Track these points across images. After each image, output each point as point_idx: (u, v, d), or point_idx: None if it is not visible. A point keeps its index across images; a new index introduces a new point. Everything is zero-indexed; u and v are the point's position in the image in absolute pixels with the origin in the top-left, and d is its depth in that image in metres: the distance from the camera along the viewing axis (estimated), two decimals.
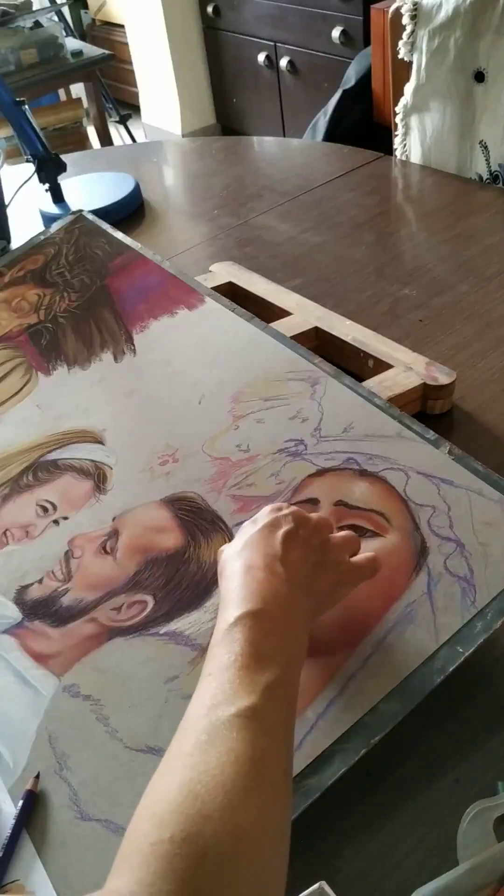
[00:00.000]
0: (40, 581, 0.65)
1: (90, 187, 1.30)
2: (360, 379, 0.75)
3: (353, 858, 0.47)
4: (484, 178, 1.26)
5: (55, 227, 1.07)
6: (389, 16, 1.28)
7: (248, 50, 2.88)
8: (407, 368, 0.77)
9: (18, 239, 1.11)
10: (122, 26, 3.39)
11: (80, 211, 1.08)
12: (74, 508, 0.70)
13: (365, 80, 1.60)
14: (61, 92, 2.85)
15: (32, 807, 0.50)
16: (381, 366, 0.79)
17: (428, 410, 0.77)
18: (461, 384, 0.79)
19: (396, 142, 1.36)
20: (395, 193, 1.28)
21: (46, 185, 1.21)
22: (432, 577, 0.56)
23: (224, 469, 0.68)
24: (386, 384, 0.75)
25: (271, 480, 0.66)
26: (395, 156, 1.37)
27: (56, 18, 2.58)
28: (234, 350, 0.80)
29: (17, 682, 0.58)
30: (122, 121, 2.89)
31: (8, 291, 0.99)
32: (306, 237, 1.14)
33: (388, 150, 1.38)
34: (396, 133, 1.35)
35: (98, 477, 0.72)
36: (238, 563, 0.49)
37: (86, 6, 3.71)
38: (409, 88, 1.28)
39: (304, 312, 0.88)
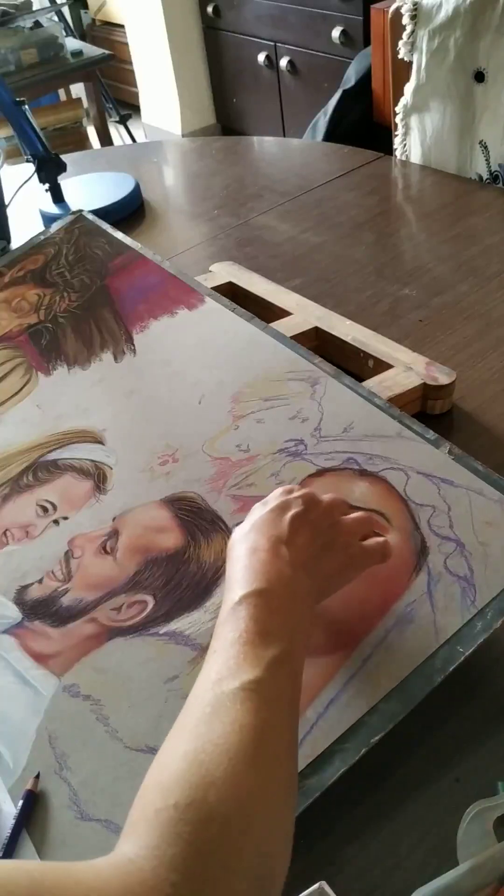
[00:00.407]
0: (40, 581, 0.65)
1: (90, 187, 1.30)
2: (360, 379, 0.75)
3: (353, 858, 0.47)
4: (484, 178, 1.26)
5: (55, 227, 1.07)
6: (389, 16, 1.28)
7: (248, 50, 2.88)
8: (407, 368, 0.77)
9: (18, 239, 1.11)
10: (122, 26, 3.39)
11: (80, 211, 1.08)
12: (74, 508, 0.70)
13: (365, 80, 1.60)
14: (61, 92, 2.85)
15: (32, 807, 0.50)
16: (381, 366, 0.79)
17: (428, 410, 0.77)
18: (461, 384, 0.79)
19: (396, 142, 1.36)
20: (395, 193, 1.28)
21: (46, 185, 1.21)
22: (432, 577, 0.56)
23: (224, 469, 0.68)
24: (386, 384, 0.75)
25: (271, 480, 0.66)
26: (395, 156, 1.37)
27: (56, 18, 2.58)
28: (234, 350, 0.80)
29: (17, 682, 0.58)
30: (122, 121, 2.89)
31: (8, 291, 0.99)
32: (306, 237, 1.14)
33: (388, 150, 1.38)
34: (396, 133, 1.35)
35: (98, 477, 0.72)
36: (244, 546, 0.49)
37: (86, 6, 3.71)
38: (409, 88, 1.28)
39: (304, 312, 0.88)
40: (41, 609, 0.63)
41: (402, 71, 1.29)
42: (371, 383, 0.75)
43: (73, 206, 1.18)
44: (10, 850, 0.48)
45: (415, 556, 0.57)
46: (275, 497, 0.53)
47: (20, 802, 0.50)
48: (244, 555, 0.48)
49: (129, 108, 3.41)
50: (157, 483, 0.69)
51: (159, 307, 0.89)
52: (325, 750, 0.49)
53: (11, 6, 2.34)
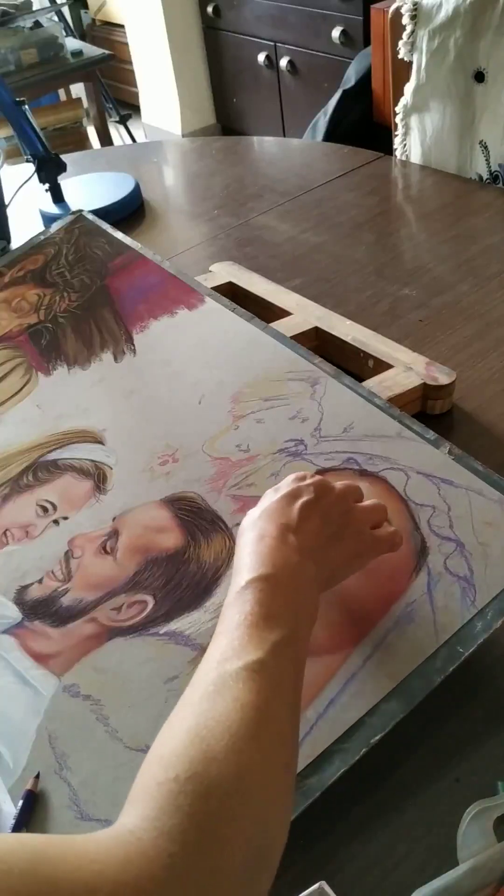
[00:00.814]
0: (40, 581, 0.65)
1: (90, 187, 1.30)
2: (360, 379, 0.76)
3: (353, 858, 0.47)
4: (484, 178, 1.27)
5: (55, 227, 1.07)
6: (389, 16, 1.28)
7: (248, 50, 2.88)
8: (407, 368, 0.77)
9: (18, 239, 1.11)
10: (122, 26, 3.39)
11: (80, 211, 1.08)
12: (74, 508, 0.70)
13: (365, 80, 1.60)
14: (61, 92, 2.85)
15: (32, 807, 0.50)
16: (381, 366, 0.79)
17: (428, 410, 0.77)
18: (461, 384, 0.79)
19: (396, 142, 1.36)
20: (395, 193, 1.28)
21: (46, 185, 1.21)
22: (432, 577, 0.56)
23: (224, 469, 0.68)
24: (386, 384, 0.75)
25: (271, 480, 0.66)
26: (395, 156, 1.37)
27: (56, 18, 2.58)
28: (234, 350, 0.80)
29: (17, 682, 0.58)
30: (122, 121, 2.89)
31: (8, 291, 0.99)
32: (306, 237, 1.14)
33: (388, 150, 1.38)
34: (396, 133, 1.35)
35: (98, 477, 0.72)
36: (253, 532, 0.49)
37: (86, 6, 3.71)
38: (409, 88, 1.28)
39: (304, 312, 0.88)
40: (41, 609, 0.63)
41: (402, 71, 1.29)
42: (371, 383, 0.75)
43: (73, 206, 1.18)
44: None
45: (415, 556, 0.57)
46: (287, 484, 0.53)
47: (20, 802, 0.50)
48: (252, 541, 0.49)
49: (129, 108, 3.41)
50: (157, 483, 0.69)
51: (159, 307, 0.89)
52: (325, 750, 0.49)
53: (11, 6, 2.34)
